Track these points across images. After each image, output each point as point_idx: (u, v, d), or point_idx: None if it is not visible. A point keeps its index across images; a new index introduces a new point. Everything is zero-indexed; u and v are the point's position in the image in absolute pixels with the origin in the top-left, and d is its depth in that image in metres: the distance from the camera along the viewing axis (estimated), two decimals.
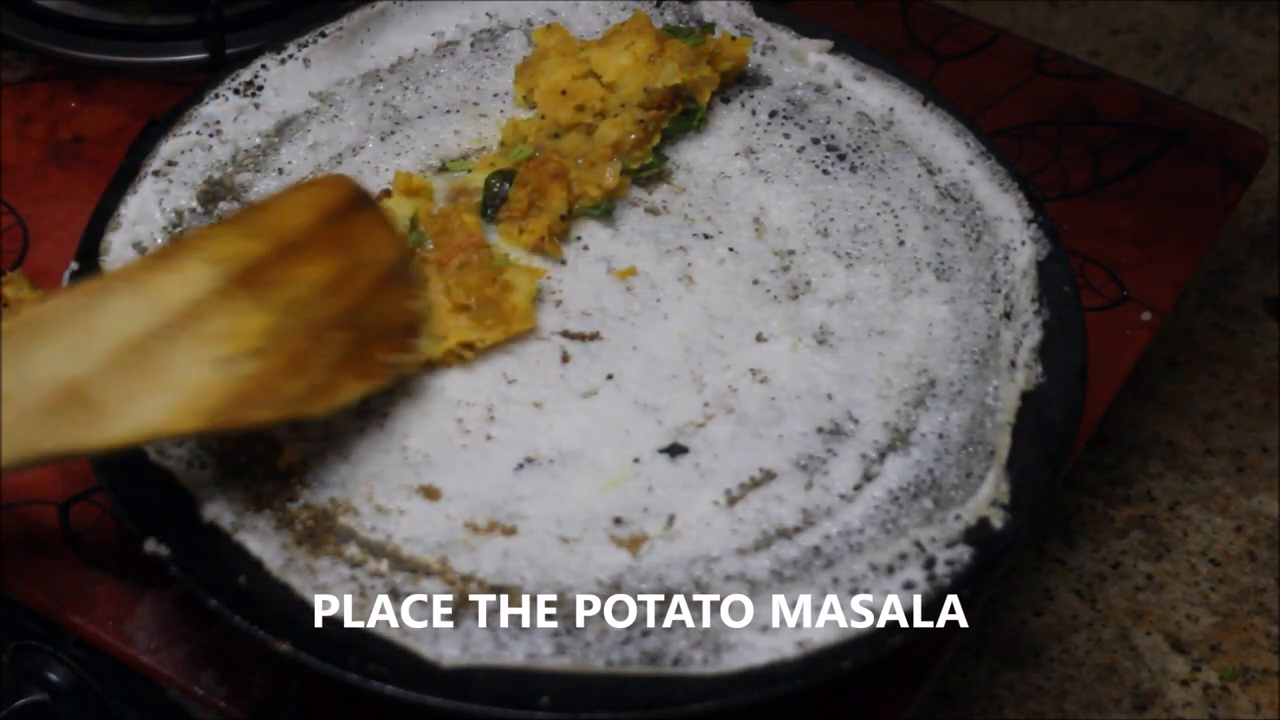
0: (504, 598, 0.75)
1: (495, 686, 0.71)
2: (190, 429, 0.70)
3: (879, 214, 0.94)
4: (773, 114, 0.99)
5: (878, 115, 0.98)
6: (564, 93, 0.94)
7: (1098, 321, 0.96)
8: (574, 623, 0.74)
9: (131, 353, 0.69)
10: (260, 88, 0.96)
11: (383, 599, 0.74)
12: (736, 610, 0.74)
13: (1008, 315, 0.87)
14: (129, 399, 0.68)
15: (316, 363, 0.74)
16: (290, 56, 0.97)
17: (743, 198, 0.95)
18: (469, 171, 0.93)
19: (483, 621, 0.73)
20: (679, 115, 0.96)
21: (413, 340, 0.80)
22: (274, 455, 0.79)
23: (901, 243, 0.92)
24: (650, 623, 0.74)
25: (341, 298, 0.77)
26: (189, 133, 0.93)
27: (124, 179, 0.90)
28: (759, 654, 0.73)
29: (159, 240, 0.88)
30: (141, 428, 0.68)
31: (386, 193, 0.90)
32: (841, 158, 0.97)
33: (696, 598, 0.75)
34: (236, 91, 0.95)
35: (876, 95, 0.99)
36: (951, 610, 0.75)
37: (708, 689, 0.71)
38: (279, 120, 0.95)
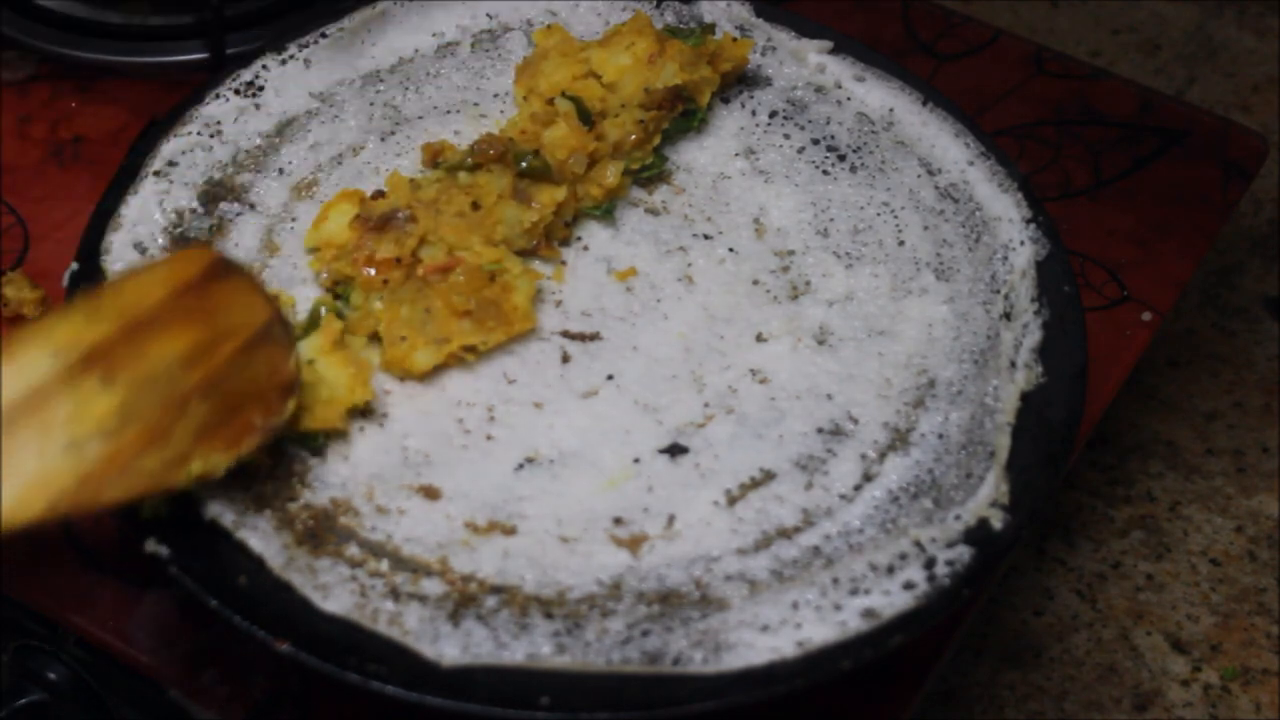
0: (504, 597, 0.75)
1: (495, 686, 0.71)
2: (36, 516, 0.67)
3: (879, 214, 0.94)
4: (773, 114, 0.99)
5: (878, 115, 0.98)
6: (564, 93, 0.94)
7: (1098, 321, 0.96)
8: (574, 622, 0.74)
9: None
10: (261, 88, 0.96)
11: (383, 599, 0.74)
12: (736, 610, 0.74)
13: (1007, 315, 0.88)
14: None
15: (177, 435, 0.72)
16: (291, 57, 0.97)
17: (743, 198, 0.95)
18: None
19: (483, 621, 0.74)
20: (679, 116, 0.96)
21: (285, 401, 0.77)
22: (274, 459, 0.80)
23: (901, 243, 0.92)
24: (650, 623, 0.74)
25: (201, 367, 0.74)
26: (189, 133, 0.93)
27: (124, 179, 0.90)
28: (759, 654, 0.73)
29: (159, 240, 0.88)
30: None
31: (381, 193, 0.90)
32: (841, 158, 0.97)
33: (696, 597, 0.75)
34: (237, 92, 0.95)
35: (876, 95, 0.99)
36: (952, 609, 0.75)
37: (708, 689, 0.71)
38: (279, 120, 0.95)
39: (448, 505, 0.79)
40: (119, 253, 0.86)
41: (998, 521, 0.78)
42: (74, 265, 0.86)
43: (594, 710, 0.70)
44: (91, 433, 0.69)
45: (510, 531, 0.78)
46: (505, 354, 0.85)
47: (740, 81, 1.00)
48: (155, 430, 0.71)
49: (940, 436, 0.83)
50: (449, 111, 0.98)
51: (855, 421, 0.84)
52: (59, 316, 0.72)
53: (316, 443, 0.80)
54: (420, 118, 0.97)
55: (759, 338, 0.88)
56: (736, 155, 0.97)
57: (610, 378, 0.85)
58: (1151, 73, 1.44)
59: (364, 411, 0.82)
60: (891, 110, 0.98)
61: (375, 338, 0.84)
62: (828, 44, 1.01)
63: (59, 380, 0.70)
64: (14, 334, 0.71)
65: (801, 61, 1.01)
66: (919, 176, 0.95)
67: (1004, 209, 0.92)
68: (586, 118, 0.91)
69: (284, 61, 0.97)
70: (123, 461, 0.70)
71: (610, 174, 0.92)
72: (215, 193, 0.91)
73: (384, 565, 0.76)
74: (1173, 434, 1.19)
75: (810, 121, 0.99)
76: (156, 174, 0.90)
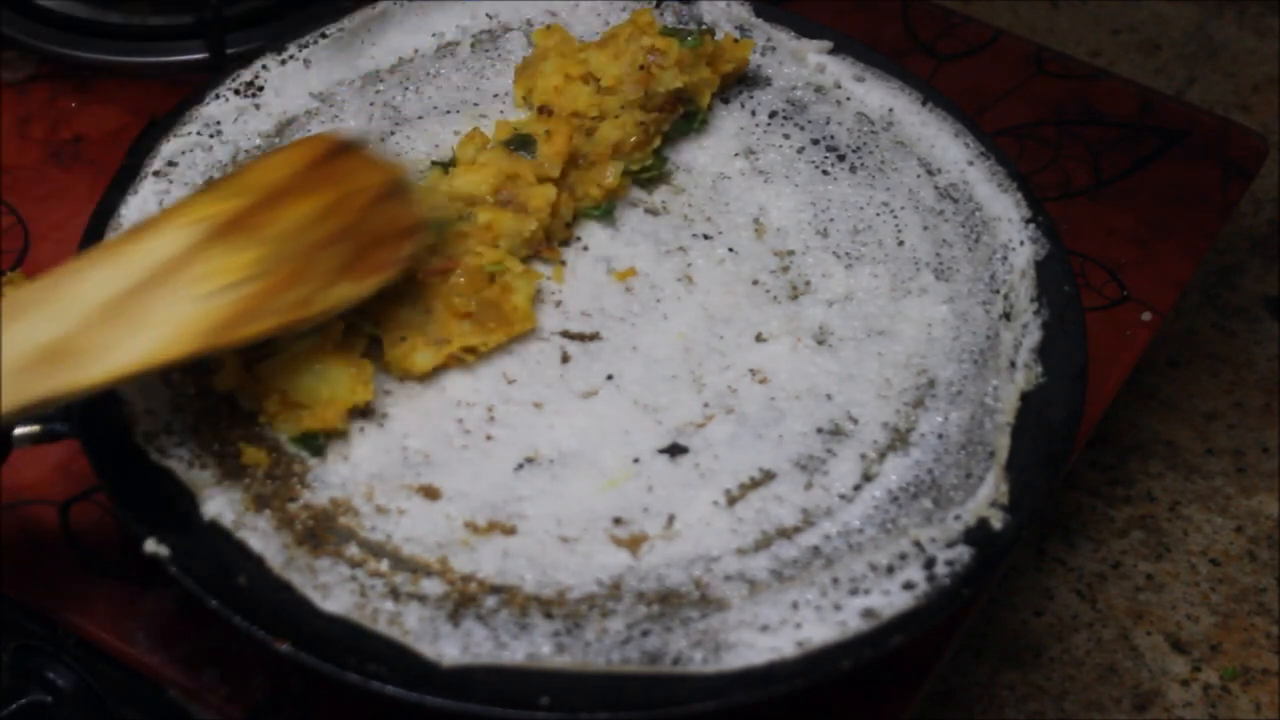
0: (504, 597, 0.75)
1: (495, 686, 0.71)
2: (182, 354, 0.74)
3: (878, 214, 0.94)
4: (772, 114, 0.99)
5: (877, 116, 0.98)
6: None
7: (1098, 321, 0.96)
8: (574, 622, 0.74)
9: (112, 308, 0.74)
10: (261, 88, 0.96)
11: (383, 599, 0.74)
12: (736, 610, 0.74)
13: (1007, 315, 0.88)
14: (112, 343, 0.73)
15: (314, 273, 0.78)
16: (291, 57, 0.97)
17: (742, 198, 0.95)
18: None
19: (483, 621, 0.74)
20: (680, 117, 0.96)
21: (409, 241, 0.83)
22: (272, 452, 0.80)
23: (901, 243, 0.92)
24: (650, 623, 0.74)
25: (335, 220, 0.81)
26: (189, 133, 0.93)
27: (124, 179, 0.90)
28: (759, 654, 0.73)
29: None
30: (127, 363, 0.73)
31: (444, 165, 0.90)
32: (841, 158, 0.97)
33: (696, 597, 0.75)
34: (237, 92, 0.95)
35: (876, 95, 0.99)
36: (952, 609, 0.75)
37: (708, 689, 0.71)
38: (279, 121, 0.95)
39: (448, 505, 0.79)
40: None
41: (998, 521, 0.78)
42: None
43: (594, 710, 0.70)
44: (235, 281, 0.77)
45: (510, 531, 0.78)
46: (505, 354, 0.85)
47: (740, 82, 1.00)
48: (295, 272, 0.78)
49: (940, 436, 0.83)
50: (449, 112, 0.98)
51: (855, 421, 0.84)
52: (197, 197, 0.81)
53: (316, 443, 0.80)
54: (420, 118, 0.97)
55: (759, 338, 0.88)
56: (736, 155, 0.97)
57: (610, 378, 0.85)
58: (1151, 73, 1.44)
59: (364, 411, 0.82)
60: (891, 110, 0.98)
61: (375, 338, 0.84)
62: (827, 44, 1.01)
63: (202, 244, 0.77)
64: (154, 216, 0.80)
65: (801, 61, 1.01)
66: (919, 176, 0.95)
67: (1004, 209, 0.92)
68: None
69: (284, 61, 0.97)
70: (266, 298, 0.77)
71: (610, 174, 0.92)
72: None
73: (384, 565, 0.76)
74: (1173, 434, 1.19)
75: (810, 121, 0.99)
76: (156, 174, 0.90)
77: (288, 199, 0.80)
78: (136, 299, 0.75)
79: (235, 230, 0.78)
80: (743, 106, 0.99)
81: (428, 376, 0.84)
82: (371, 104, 0.97)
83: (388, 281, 0.81)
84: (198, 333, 0.75)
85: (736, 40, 0.99)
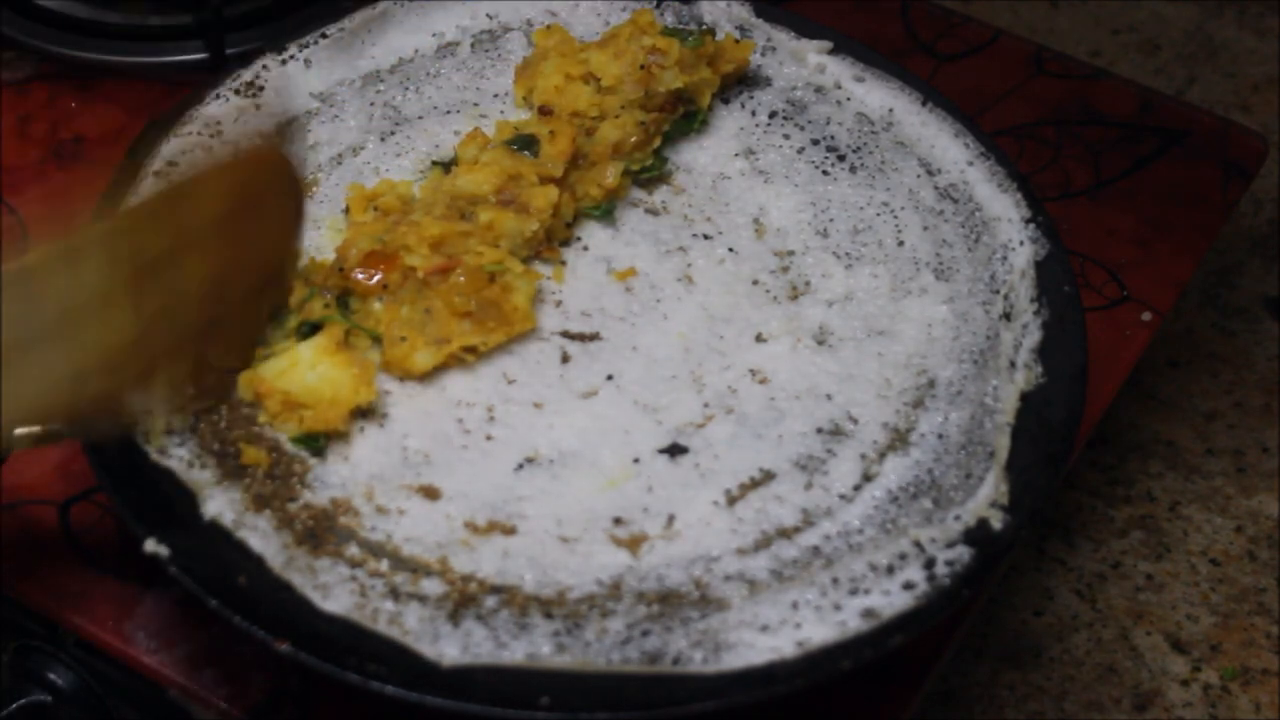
0: (504, 597, 0.75)
1: (495, 686, 0.71)
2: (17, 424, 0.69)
3: (878, 214, 0.94)
4: (772, 115, 0.99)
5: (877, 116, 0.98)
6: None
7: (1098, 321, 0.96)
8: (574, 622, 0.74)
9: (11, 352, 0.69)
10: (261, 88, 0.96)
11: (383, 599, 0.74)
12: (736, 610, 0.74)
13: (1007, 315, 0.88)
14: None
15: (158, 378, 0.74)
16: (291, 57, 0.97)
17: (742, 198, 0.95)
18: None
19: (483, 621, 0.74)
20: (680, 118, 0.96)
21: (252, 353, 0.79)
22: (274, 456, 0.80)
23: (901, 243, 0.92)
24: (650, 623, 0.74)
25: (209, 306, 0.75)
26: (190, 133, 0.93)
27: (124, 179, 0.90)
28: (759, 654, 0.73)
29: None
30: None
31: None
32: (841, 158, 0.97)
33: (696, 597, 0.75)
34: (237, 92, 0.95)
35: (876, 96, 0.99)
36: (952, 609, 0.75)
37: (708, 689, 0.72)
38: (280, 121, 0.95)
39: (448, 505, 0.79)
40: None
41: (997, 522, 0.78)
42: None
43: (594, 710, 0.70)
44: (98, 366, 0.70)
45: (510, 531, 0.78)
46: (505, 354, 0.85)
47: (740, 82, 1.00)
48: (147, 369, 0.73)
49: (940, 436, 0.83)
50: (449, 111, 0.98)
51: (855, 421, 0.84)
52: (129, 217, 0.72)
53: (317, 443, 0.80)
54: (420, 118, 0.97)
55: (759, 338, 0.88)
56: (736, 155, 0.97)
57: (610, 378, 0.85)
58: (1151, 73, 1.44)
59: (364, 412, 0.82)
60: (891, 110, 0.98)
61: (376, 338, 0.84)
62: (828, 44, 1.01)
63: (102, 299, 0.70)
64: (82, 230, 0.71)
65: (801, 61, 1.01)
66: (919, 177, 0.95)
67: (1004, 209, 0.92)
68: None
69: (284, 61, 0.97)
70: (106, 400, 0.72)
71: (610, 175, 0.92)
72: None
73: (384, 565, 0.76)
74: (1173, 434, 1.19)
75: (810, 122, 0.99)
76: (156, 174, 0.90)
77: (195, 252, 0.73)
78: (33, 350, 0.68)
79: (135, 288, 0.71)
80: (743, 106, 0.99)
81: (428, 376, 0.84)
82: (371, 104, 0.97)
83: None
84: (49, 414, 0.69)
85: (737, 40, 0.99)
